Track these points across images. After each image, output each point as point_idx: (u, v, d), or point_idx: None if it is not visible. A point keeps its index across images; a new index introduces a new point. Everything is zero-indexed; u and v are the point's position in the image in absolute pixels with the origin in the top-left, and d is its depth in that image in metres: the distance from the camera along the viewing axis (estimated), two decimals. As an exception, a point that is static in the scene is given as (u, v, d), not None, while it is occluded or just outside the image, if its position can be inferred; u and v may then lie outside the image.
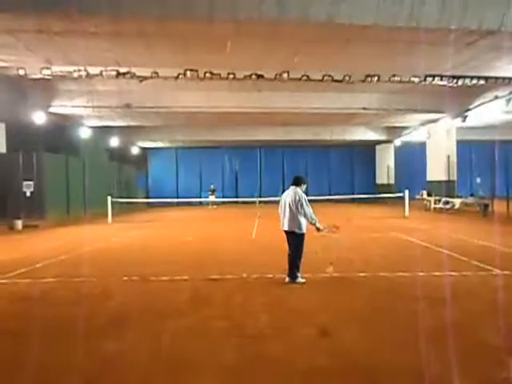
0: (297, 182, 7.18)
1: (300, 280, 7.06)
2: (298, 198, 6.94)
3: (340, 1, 8.98)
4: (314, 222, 6.98)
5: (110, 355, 4.30)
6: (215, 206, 29.74)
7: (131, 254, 10.48)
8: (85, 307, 5.84)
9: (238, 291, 6.64)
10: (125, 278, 7.60)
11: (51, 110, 18.53)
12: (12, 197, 17.34)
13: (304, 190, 7.22)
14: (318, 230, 7.07)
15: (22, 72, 13.19)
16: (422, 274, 7.57)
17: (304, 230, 7.05)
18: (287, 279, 7.11)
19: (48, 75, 13.58)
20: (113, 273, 8.16)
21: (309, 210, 6.93)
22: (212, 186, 30.56)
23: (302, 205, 6.88)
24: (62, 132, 21.16)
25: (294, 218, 6.97)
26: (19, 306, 6.19)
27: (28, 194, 17.69)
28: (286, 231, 7.15)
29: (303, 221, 6.98)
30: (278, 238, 12.47)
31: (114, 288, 7.01)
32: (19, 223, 16.39)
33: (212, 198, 29.47)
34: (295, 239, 7.06)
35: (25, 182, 17.67)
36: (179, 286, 7.06)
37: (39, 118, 17.79)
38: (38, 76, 13.64)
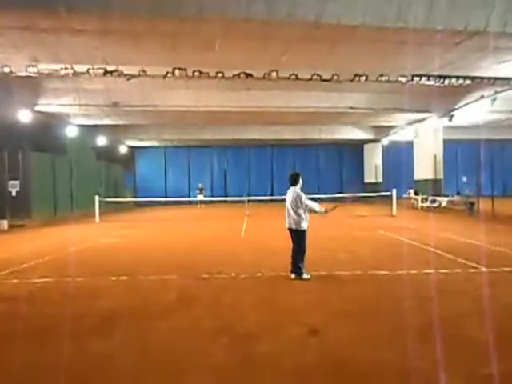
0: (293, 182, 7.55)
1: (305, 276, 7.20)
2: (295, 197, 7.35)
3: (328, 1, 9.02)
4: (317, 211, 7.41)
5: (98, 355, 4.25)
6: (203, 206, 29.60)
7: (119, 253, 10.39)
8: (72, 307, 5.78)
9: (227, 290, 6.64)
10: (113, 278, 7.54)
11: (37, 108, 18.26)
12: (-3, 196, 17.08)
13: (301, 184, 7.54)
14: (326, 212, 7.52)
15: (6, 69, 12.98)
16: (410, 271, 7.64)
17: (304, 227, 7.35)
18: (292, 276, 7.28)
19: (34, 73, 13.38)
20: (101, 273, 8.07)
21: (309, 202, 7.33)
22: (200, 185, 30.26)
23: (301, 203, 7.26)
24: (49, 131, 20.84)
25: (293, 217, 7.34)
26: (5, 306, 6.09)
27: (14, 193, 17.40)
28: (288, 229, 7.48)
29: (303, 219, 7.29)
30: (268, 236, 12.52)
31: (102, 288, 6.94)
32: (5, 223, 16.16)
33: (200, 197, 29.27)
34: (296, 236, 7.37)
35: (10, 182, 17.39)
36: (168, 285, 7.03)
37: (25, 116, 17.53)
38: (24, 74, 13.43)
